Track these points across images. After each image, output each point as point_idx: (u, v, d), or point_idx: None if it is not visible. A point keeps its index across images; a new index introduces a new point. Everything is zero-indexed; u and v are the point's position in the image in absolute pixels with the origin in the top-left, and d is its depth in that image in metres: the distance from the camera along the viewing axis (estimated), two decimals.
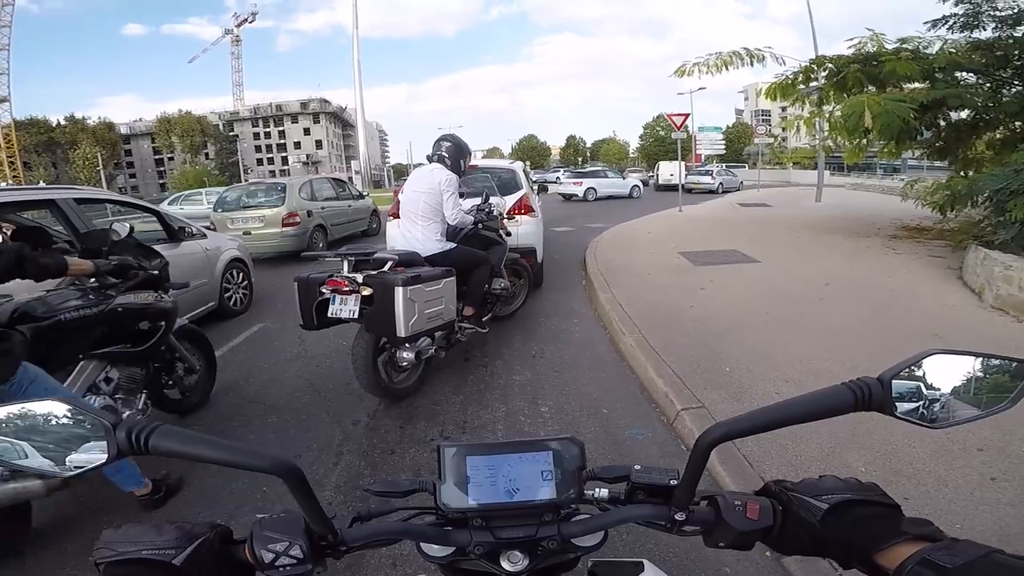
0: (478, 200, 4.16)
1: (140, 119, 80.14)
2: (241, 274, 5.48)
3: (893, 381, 0.50)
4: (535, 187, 6.66)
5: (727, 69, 8.68)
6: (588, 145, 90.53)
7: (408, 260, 3.08)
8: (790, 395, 0.53)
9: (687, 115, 13.28)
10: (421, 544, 0.59)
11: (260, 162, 77.45)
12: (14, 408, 0.50)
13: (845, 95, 7.77)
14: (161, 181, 72.00)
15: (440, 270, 3.08)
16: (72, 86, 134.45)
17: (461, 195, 3.62)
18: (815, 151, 14.91)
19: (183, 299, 3.64)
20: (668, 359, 3.42)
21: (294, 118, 79.00)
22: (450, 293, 3.11)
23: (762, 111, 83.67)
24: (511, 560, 0.58)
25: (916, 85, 7.41)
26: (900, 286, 5.18)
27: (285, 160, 77.02)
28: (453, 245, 3.53)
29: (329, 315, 2.87)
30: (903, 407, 0.50)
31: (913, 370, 0.51)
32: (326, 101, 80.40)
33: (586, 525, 0.59)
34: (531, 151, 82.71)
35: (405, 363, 3.11)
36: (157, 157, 77.09)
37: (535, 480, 0.58)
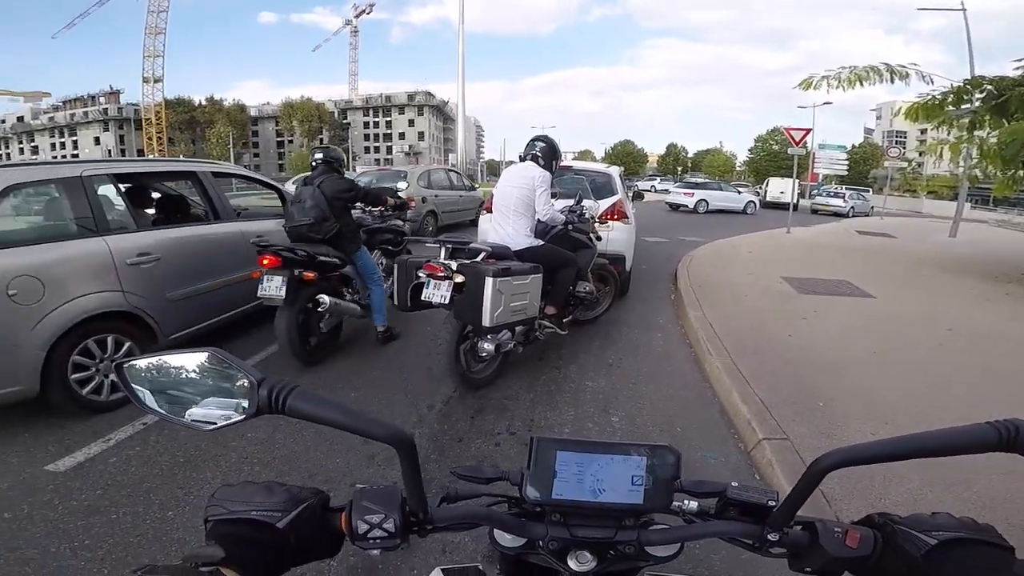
0: (571, 201, 4.15)
1: (268, 103, 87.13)
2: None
3: None
4: (630, 194, 6.58)
5: (861, 85, 7.95)
6: (690, 155, 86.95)
7: (499, 253, 3.13)
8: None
9: (808, 131, 12.31)
10: (495, 532, 0.60)
11: (367, 150, 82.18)
12: (168, 357, 0.53)
13: (1005, 121, 6.94)
14: (280, 162, 78.64)
15: (529, 266, 3.09)
16: (213, 69, 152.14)
17: (553, 195, 3.62)
18: (956, 179, 13.24)
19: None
20: (756, 386, 3.20)
21: (401, 109, 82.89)
22: (536, 289, 3.10)
23: (897, 132, 75.70)
24: (579, 560, 0.58)
25: None
26: None
27: (390, 150, 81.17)
28: (541, 243, 3.53)
29: (422, 298, 2.96)
30: None
31: None
32: (430, 94, 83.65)
33: (668, 535, 0.58)
34: (626, 156, 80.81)
35: (484, 354, 3.18)
36: (279, 140, 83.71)
37: (624, 483, 0.57)
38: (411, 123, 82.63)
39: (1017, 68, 6.88)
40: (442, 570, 0.70)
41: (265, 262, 3.29)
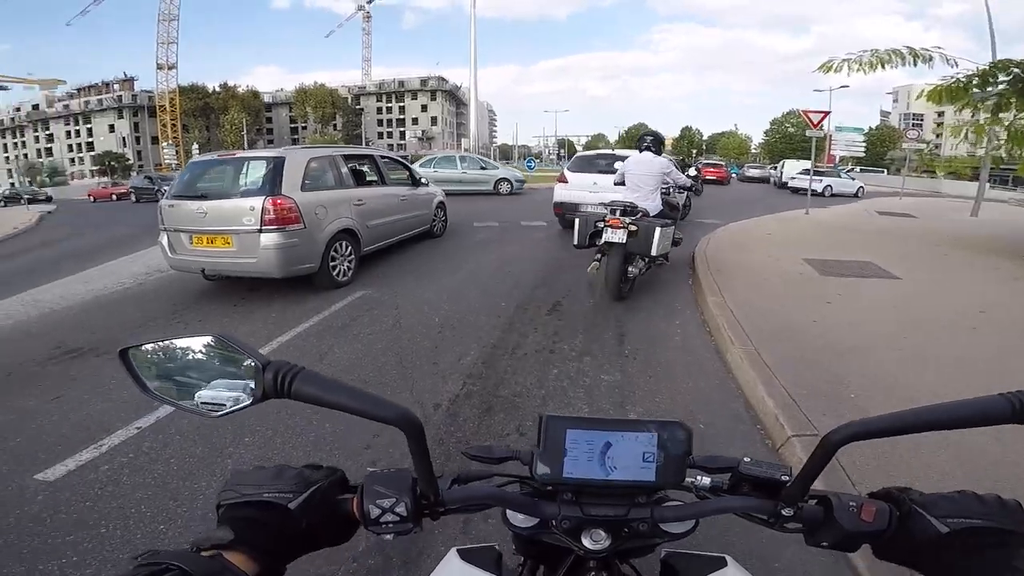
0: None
1: (281, 89, 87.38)
2: (442, 212, 8.35)
3: None
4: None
5: (883, 68, 7.63)
6: (705, 138, 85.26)
7: (644, 212, 4.74)
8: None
9: (827, 113, 11.84)
10: (507, 512, 0.59)
11: (380, 135, 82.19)
12: (173, 343, 0.51)
13: None
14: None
15: (669, 220, 4.99)
16: (226, 56, 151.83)
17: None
18: (977, 160, 12.78)
19: (417, 220, 7.37)
20: (782, 377, 3.04)
21: (414, 94, 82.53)
22: (670, 234, 4.84)
23: (914, 115, 73.80)
24: (594, 538, 0.57)
25: None
26: None
27: (403, 135, 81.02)
28: (662, 207, 5.18)
29: (603, 239, 4.52)
30: None
31: None
32: (443, 79, 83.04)
33: (681, 511, 0.57)
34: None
35: (631, 274, 4.76)
36: (292, 126, 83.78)
37: (635, 460, 0.57)
38: (424, 108, 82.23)
39: None
40: (458, 551, 0.69)
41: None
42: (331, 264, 5.14)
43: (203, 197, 4.85)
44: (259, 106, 78.12)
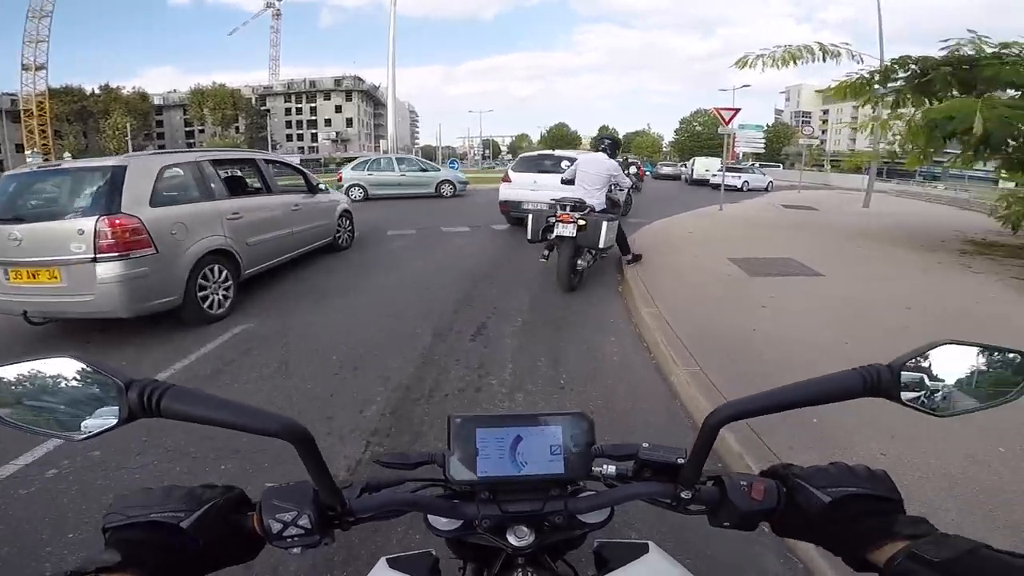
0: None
1: (175, 90, 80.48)
2: (349, 221, 7.38)
3: (902, 369, 0.50)
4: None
5: (795, 63, 7.86)
6: (621, 136, 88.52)
7: (591, 207, 5.10)
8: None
9: (737, 110, 12.19)
10: (429, 517, 0.59)
11: (289, 138, 77.78)
12: (25, 367, 0.48)
13: (927, 100, 7.19)
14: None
15: (614, 215, 5.39)
16: (115, 56, 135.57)
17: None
18: (873, 155, 13.82)
19: (315, 233, 6.34)
20: None
21: (327, 95, 78.82)
22: (615, 228, 5.22)
23: (804, 112, 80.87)
24: (517, 535, 0.57)
25: (1012, 93, 6.76)
26: (990, 314, 4.32)
27: (315, 137, 77.17)
28: (605, 204, 5.57)
29: (554, 234, 4.84)
30: (908, 395, 0.50)
31: (920, 360, 0.50)
32: (360, 79, 80.00)
33: (592, 501, 0.58)
34: (560, 139, 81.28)
35: (580, 267, 5.03)
36: (188, 129, 77.34)
37: (544, 454, 0.57)
38: (339, 109, 78.70)
39: (943, 48, 6.92)
40: (387, 560, 0.66)
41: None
42: (199, 294, 4.18)
43: (18, 220, 3.73)
44: (147, 109, 71.64)
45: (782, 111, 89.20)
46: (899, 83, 7.56)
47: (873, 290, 5.05)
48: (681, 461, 0.56)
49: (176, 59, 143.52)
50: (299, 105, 79.19)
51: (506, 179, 9.16)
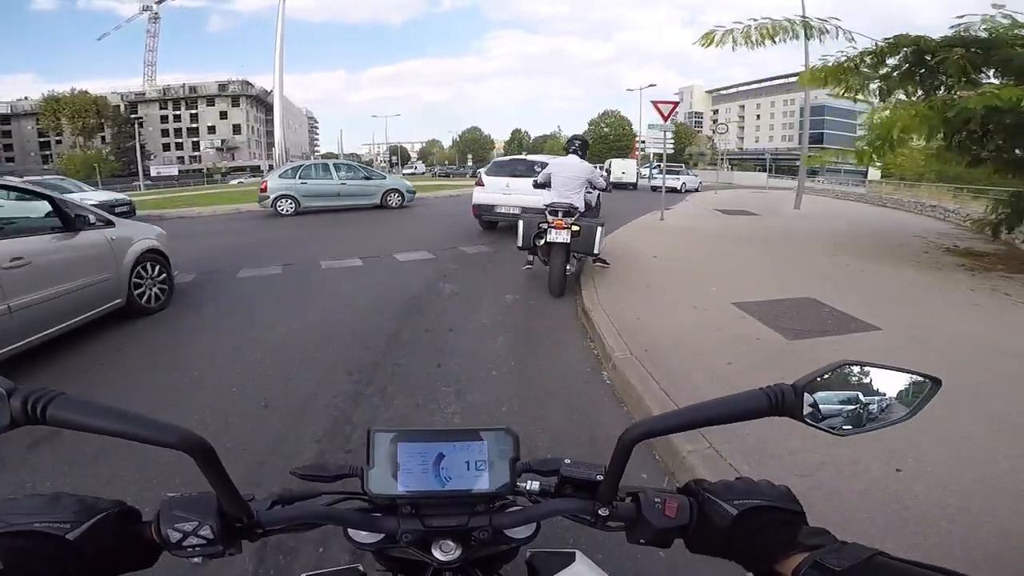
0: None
1: (25, 98, 70.85)
2: (158, 267, 4.77)
3: (806, 389, 0.51)
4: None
5: (773, 41, 6.30)
6: (531, 140, 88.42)
7: (580, 213, 5.12)
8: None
9: (676, 103, 10.81)
10: (349, 530, 0.57)
11: (167, 147, 69.40)
12: None
13: (924, 89, 6.10)
14: (45, 166, 62.80)
15: (601, 220, 5.31)
16: None
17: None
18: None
19: (79, 297, 3.76)
20: None
21: (210, 100, 71.15)
22: (603, 233, 5.04)
23: (696, 113, 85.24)
24: (443, 549, 0.56)
25: None
26: None
27: (197, 145, 69.42)
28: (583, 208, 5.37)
29: (547, 240, 4.86)
30: (812, 414, 0.51)
31: (826, 379, 0.51)
32: (248, 83, 72.97)
33: (517, 516, 0.57)
34: (473, 143, 79.72)
35: (568, 272, 5.02)
36: (44, 140, 67.69)
37: (469, 469, 0.56)
38: (223, 115, 71.16)
39: (953, 28, 5.65)
40: None
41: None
42: None
43: None
44: None
45: (676, 112, 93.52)
46: (885, 70, 6.29)
47: (969, 352, 3.42)
48: (599, 478, 0.56)
49: (39, 67, 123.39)
50: (177, 112, 70.87)
51: (479, 183, 9.17)
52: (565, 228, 4.73)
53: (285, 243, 8.66)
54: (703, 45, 6.54)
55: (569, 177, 5.26)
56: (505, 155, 74.27)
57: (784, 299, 4.67)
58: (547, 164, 6.39)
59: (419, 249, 7.54)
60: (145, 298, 4.51)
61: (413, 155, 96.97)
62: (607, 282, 5.27)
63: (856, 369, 0.52)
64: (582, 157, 5.39)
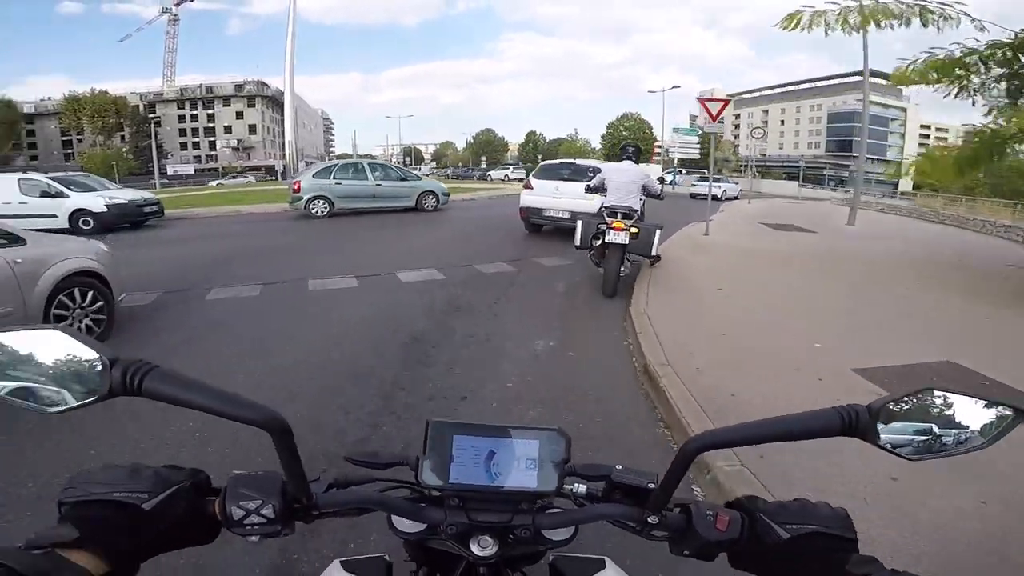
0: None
1: (48, 98, 71.74)
2: (91, 294, 3.93)
3: (881, 412, 0.48)
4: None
5: (877, 26, 5.15)
6: (546, 142, 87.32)
7: (637, 216, 5.30)
8: None
9: (727, 101, 9.61)
10: (392, 518, 0.57)
11: (184, 146, 69.68)
12: (7, 335, 0.45)
13: None
14: (68, 164, 63.46)
15: (658, 224, 5.57)
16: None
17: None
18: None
19: None
20: None
21: (226, 101, 71.34)
22: (660, 236, 5.44)
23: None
24: (481, 544, 0.55)
25: None
26: None
27: (213, 145, 69.55)
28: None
29: (605, 240, 5.08)
30: (886, 437, 0.49)
31: (904, 403, 0.49)
32: (264, 84, 72.99)
33: (559, 518, 0.57)
34: (487, 145, 78.80)
35: (622, 273, 5.29)
36: (66, 139, 68.60)
37: (519, 467, 0.55)
38: (239, 115, 71.25)
39: None
40: (341, 562, 0.64)
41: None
42: None
43: None
44: (14, 118, 62.50)
45: (696, 116, 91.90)
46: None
47: None
48: (652, 486, 0.55)
49: (69, 68, 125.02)
50: (194, 112, 71.17)
51: (527, 186, 9.34)
52: (624, 230, 4.94)
53: (375, 242, 7.62)
54: (785, 27, 5.46)
55: (626, 181, 5.45)
56: (519, 157, 72.71)
57: (916, 364, 3.49)
58: (598, 169, 6.56)
59: (528, 253, 6.42)
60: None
61: (427, 156, 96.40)
62: (671, 330, 4.06)
63: (939, 394, 0.49)
64: (636, 162, 5.64)
